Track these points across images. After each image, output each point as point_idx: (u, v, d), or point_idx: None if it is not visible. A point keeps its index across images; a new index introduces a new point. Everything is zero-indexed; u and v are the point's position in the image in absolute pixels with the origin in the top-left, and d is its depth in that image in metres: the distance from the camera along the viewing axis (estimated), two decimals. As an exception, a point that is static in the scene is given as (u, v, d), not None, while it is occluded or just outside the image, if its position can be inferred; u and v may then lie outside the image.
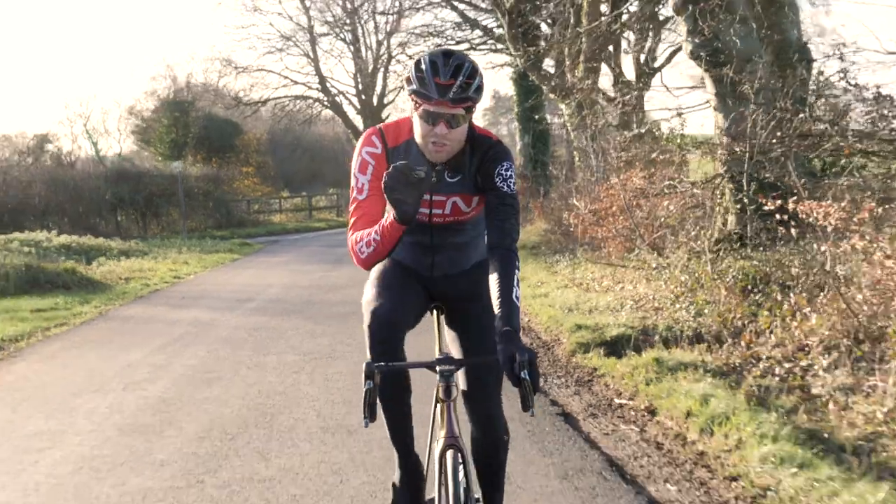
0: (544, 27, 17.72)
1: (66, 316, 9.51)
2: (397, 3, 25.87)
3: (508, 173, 2.61)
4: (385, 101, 33.90)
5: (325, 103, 33.57)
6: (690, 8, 8.87)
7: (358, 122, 33.49)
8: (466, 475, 2.53)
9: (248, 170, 32.49)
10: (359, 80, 33.40)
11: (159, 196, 23.51)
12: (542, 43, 16.92)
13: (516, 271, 2.48)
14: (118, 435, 4.71)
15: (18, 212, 20.90)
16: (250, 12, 27.21)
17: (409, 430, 2.79)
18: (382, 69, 33.52)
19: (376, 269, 2.79)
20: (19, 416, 5.23)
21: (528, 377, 2.19)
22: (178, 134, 29.88)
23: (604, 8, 14.66)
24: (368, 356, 2.52)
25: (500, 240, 2.51)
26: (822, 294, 5.38)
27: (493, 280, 2.43)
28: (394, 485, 2.87)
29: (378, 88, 34.10)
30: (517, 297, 2.42)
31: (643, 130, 11.14)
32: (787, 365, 4.89)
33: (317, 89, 33.01)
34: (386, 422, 2.75)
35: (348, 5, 30.13)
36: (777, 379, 4.70)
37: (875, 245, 4.93)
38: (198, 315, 9.31)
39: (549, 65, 18.15)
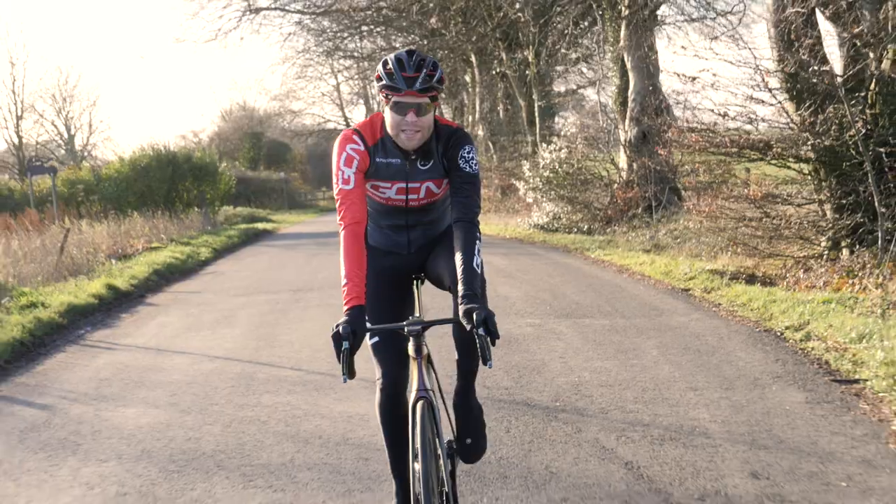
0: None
1: (278, 226, 31.48)
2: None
3: (470, 155, 3.27)
4: (386, 132, 57.52)
5: (348, 134, 57.16)
6: (478, 107, 30.94)
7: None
8: (435, 422, 3.14)
9: (295, 174, 54.56)
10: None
11: (259, 191, 45.52)
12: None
13: (477, 241, 3.13)
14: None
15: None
16: (299, 79, 48.16)
17: (406, 462, 3.22)
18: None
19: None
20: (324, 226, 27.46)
21: (484, 333, 2.83)
22: (254, 153, 52.14)
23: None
24: (378, 377, 3.30)
25: (463, 214, 3.18)
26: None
27: (457, 250, 3.09)
28: None
29: (381, 125, 57.53)
30: (478, 265, 3.07)
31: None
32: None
33: (343, 125, 55.93)
34: (387, 448, 3.41)
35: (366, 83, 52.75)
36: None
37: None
38: (321, 228, 31.32)
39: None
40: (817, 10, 10.39)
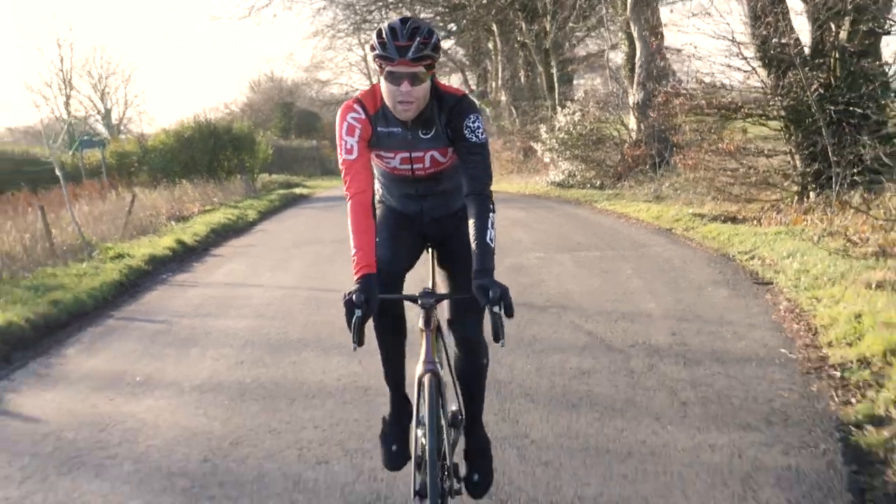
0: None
1: (313, 191, 33.58)
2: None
3: (476, 124, 3.20)
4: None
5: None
6: (501, 74, 32.73)
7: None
8: (441, 395, 3.19)
9: (325, 142, 56.61)
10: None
11: (291, 159, 47.67)
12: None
13: (491, 214, 3.12)
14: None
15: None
16: (328, 50, 50.47)
17: (401, 371, 3.51)
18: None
19: (377, 215, 3.45)
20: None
21: (500, 310, 2.89)
22: (285, 122, 54.24)
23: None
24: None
25: (473, 187, 3.15)
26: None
27: (471, 225, 3.09)
28: (384, 418, 3.65)
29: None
30: (491, 240, 3.06)
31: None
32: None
33: (371, 95, 58.05)
34: (382, 361, 3.52)
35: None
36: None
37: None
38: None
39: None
40: (784, -13, 12.15)
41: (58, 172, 13.89)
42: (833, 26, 11.70)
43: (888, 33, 11.71)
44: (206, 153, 29.49)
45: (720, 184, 12.42)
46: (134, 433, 4.99)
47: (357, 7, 33.47)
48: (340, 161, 3.26)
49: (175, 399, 5.64)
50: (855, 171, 11.00)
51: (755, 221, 11.43)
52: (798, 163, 12.27)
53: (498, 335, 2.91)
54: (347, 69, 56.70)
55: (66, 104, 36.84)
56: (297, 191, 31.97)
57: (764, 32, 11.32)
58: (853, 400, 4.50)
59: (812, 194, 11.82)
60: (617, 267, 9.24)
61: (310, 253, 12.90)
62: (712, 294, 7.47)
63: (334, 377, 5.79)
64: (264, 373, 6.09)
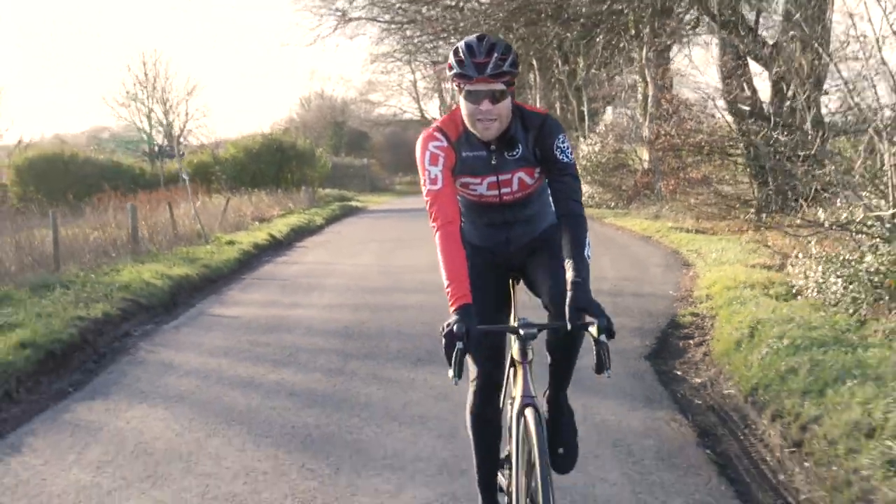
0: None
1: (366, 204, 37.98)
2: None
3: (565, 145, 3.23)
4: (459, 124, 64.71)
5: (422, 125, 63.65)
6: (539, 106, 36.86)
7: (442, 136, 64.64)
8: (545, 431, 3.02)
9: (374, 161, 61.32)
10: (442, 111, 63.38)
11: (343, 175, 52.29)
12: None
13: (586, 233, 3.13)
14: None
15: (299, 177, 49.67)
16: (384, 73, 55.99)
17: (494, 470, 3.46)
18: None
19: None
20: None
21: (606, 339, 2.83)
22: (336, 140, 59.08)
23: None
24: (474, 378, 3.27)
25: (567, 207, 3.18)
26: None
27: (565, 243, 3.08)
28: None
29: (455, 117, 64.80)
30: (588, 256, 3.11)
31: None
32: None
33: (418, 117, 62.84)
34: (476, 461, 3.47)
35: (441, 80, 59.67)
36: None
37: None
38: (403, 206, 37.67)
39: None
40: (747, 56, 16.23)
41: (184, 176, 18.30)
42: (784, 86, 15.70)
43: (826, 93, 15.70)
44: (272, 165, 34.01)
45: (691, 205, 16.40)
46: (299, 319, 9.21)
47: (413, 39, 37.75)
48: (424, 192, 3.23)
49: (316, 310, 9.83)
50: (791, 197, 14.96)
51: (716, 233, 15.39)
52: (755, 190, 16.25)
53: (604, 365, 2.92)
54: (397, 91, 61.77)
55: (149, 119, 41.68)
56: (352, 203, 36.33)
57: (727, 90, 15.40)
58: (689, 308, 8.61)
59: (764, 215, 15.76)
60: (600, 258, 13.30)
61: (377, 247, 17.06)
62: (652, 270, 11.59)
63: (416, 302, 9.92)
64: (368, 300, 10.29)
